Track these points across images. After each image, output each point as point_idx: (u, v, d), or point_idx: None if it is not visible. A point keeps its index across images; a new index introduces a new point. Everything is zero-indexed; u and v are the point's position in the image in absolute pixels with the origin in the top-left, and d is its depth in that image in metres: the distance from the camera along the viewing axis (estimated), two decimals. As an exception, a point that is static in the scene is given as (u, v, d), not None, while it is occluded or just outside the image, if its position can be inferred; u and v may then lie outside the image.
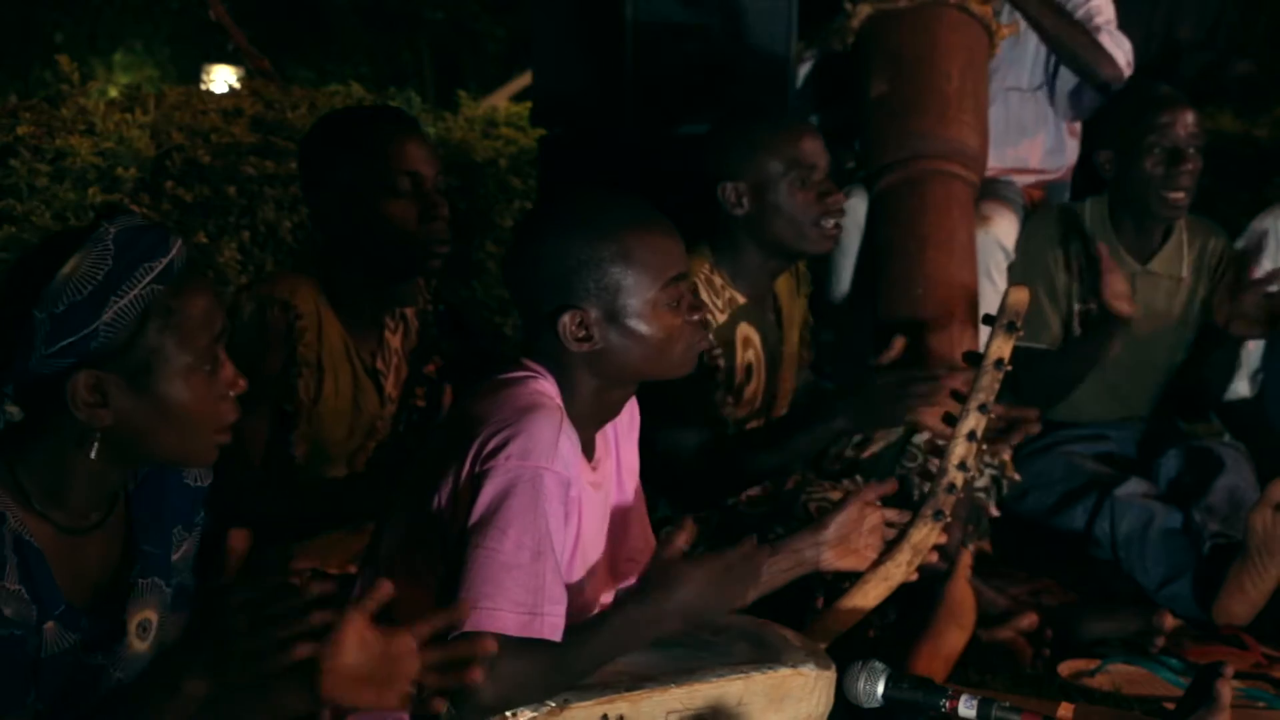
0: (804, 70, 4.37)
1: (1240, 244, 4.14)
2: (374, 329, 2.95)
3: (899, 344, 3.16)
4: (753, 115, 3.30)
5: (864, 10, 4.04)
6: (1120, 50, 4.24)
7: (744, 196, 3.16)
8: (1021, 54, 4.35)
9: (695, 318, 2.32)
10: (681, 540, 2.19)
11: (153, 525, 2.07)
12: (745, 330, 3.22)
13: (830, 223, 3.20)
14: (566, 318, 2.24)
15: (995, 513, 3.41)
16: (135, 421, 1.92)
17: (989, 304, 3.81)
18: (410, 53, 12.27)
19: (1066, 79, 4.34)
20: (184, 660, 1.82)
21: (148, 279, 1.89)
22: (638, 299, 2.26)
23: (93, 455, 1.92)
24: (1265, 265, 4.09)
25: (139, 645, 2.03)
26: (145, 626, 2.04)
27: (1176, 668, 3.11)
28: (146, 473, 2.07)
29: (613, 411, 2.38)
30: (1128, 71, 4.26)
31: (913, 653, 3.02)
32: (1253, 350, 4.11)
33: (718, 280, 3.20)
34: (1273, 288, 3.86)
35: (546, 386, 2.26)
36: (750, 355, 3.22)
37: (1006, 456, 3.42)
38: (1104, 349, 3.85)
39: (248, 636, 1.78)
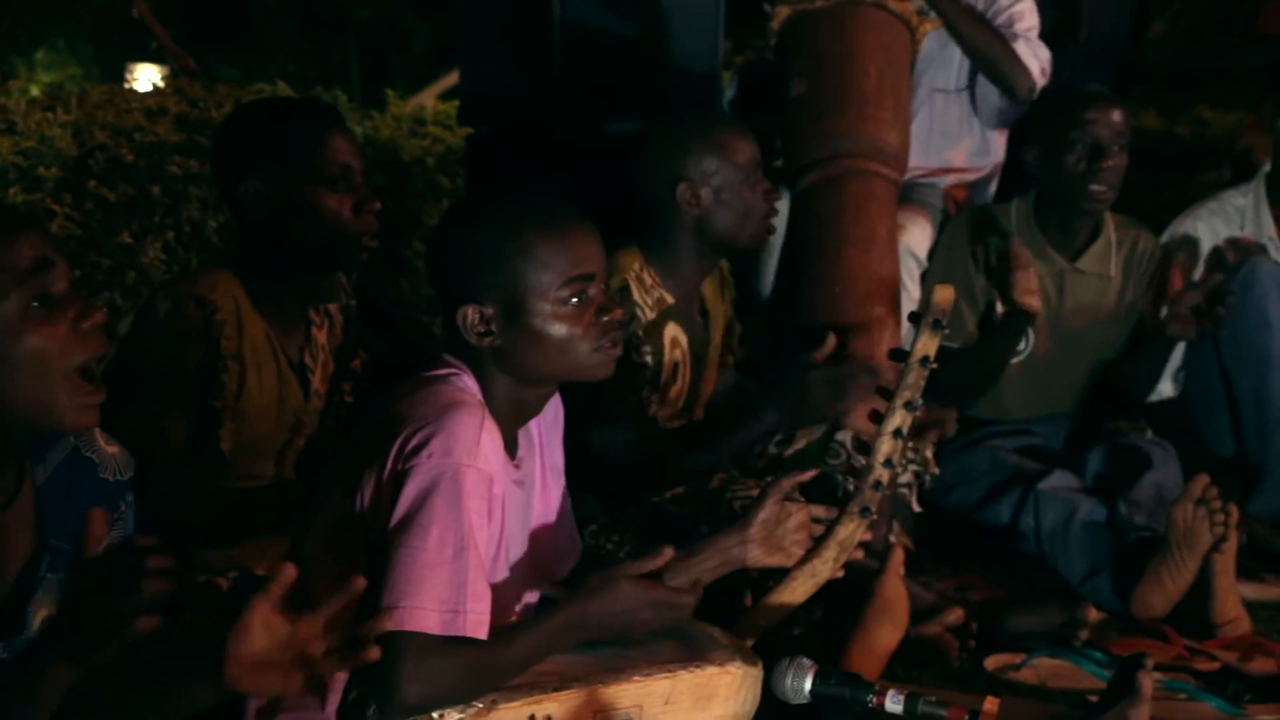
0: (733, 79, 4.38)
1: (1164, 240, 4.17)
2: (299, 324, 2.92)
3: (831, 340, 3.18)
4: (703, 116, 3.34)
5: (783, 12, 4.05)
6: (1037, 60, 4.25)
7: (702, 197, 3.18)
8: (948, 56, 4.35)
9: (605, 319, 2.30)
10: (651, 566, 2.30)
11: (63, 520, 2.04)
12: (673, 330, 3.22)
13: (773, 218, 3.27)
14: (467, 310, 2.25)
15: (918, 508, 3.44)
16: None
17: (904, 310, 3.82)
18: (337, 51, 12.20)
19: (989, 87, 4.34)
20: (47, 644, 1.83)
21: None
22: (536, 297, 2.26)
23: None
24: (1198, 269, 4.13)
25: None
26: (49, 623, 2.01)
27: (1100, 660, 3.13)
28: (55, 466, 2.05)
29: (532, 410, 2.38)
30: (1042, 81, 4.26)
31: (845, 651, 3.02)
32: (1175, 351, 4.14)
33: (648, 278, 3.20)
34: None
35: (468, 383, 2.27)
36: (677, 355, 3.23)
37: (928, 453, 3.46)
38: (1015, 345, 3.90)
39: (94, 615, 1.78)
